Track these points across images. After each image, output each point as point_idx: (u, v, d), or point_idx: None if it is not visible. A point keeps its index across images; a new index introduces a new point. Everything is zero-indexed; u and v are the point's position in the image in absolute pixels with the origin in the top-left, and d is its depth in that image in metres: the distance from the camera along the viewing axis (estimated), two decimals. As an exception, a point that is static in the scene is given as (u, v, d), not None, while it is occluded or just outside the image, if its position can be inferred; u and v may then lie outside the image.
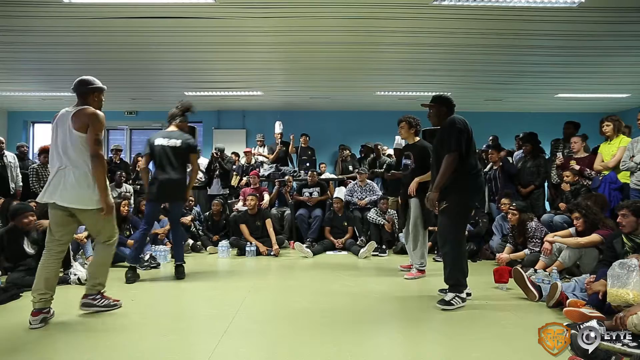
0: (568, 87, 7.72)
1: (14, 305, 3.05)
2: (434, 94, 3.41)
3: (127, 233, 4.85)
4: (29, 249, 3.59)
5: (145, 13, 4.61)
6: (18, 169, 5.93)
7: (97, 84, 2.81)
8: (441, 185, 3.04)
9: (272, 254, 5.30)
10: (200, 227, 6.06)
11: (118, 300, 2.97)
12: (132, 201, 6.11)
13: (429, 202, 3.15)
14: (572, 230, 3.92)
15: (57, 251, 2.69)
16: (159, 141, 3.93)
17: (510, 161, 5.90)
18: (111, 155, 7.34)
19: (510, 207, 4.61)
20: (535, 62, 6.32)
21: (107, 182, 2.69)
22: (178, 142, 3.95)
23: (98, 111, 2.69)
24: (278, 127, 7.81)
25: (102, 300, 2.89)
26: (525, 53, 5.92)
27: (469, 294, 3.15)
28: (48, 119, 10.96)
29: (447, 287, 3.23)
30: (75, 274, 3.68)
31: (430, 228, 5.39)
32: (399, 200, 4.30)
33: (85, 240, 4.42)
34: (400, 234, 4.18)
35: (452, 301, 2.96)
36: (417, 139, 4.17)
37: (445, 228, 3.07)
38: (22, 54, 5.94)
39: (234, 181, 7.16)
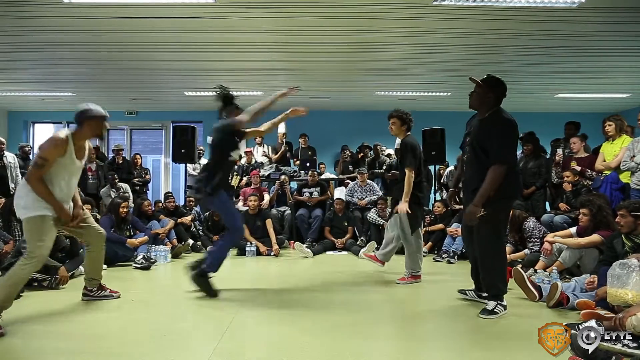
0: (568, 87, 7.72)
1: (15, 305, 3.04)
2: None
3: (127, 233, 4.84)
4: None
5: (145, 13, 4.61)
6: (18, 169, 5.94)
7: (93, 112, 2.86)
8: (484, 200, 2.65)
9: (272, 254, 5.30)
10: (200, 227, 6.05)
11: None
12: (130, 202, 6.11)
13: (469, 215, 2.72)
14: (572, 230, 3.91)
15: None
16: None
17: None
18: (113, 155, 7.34)
19: None
20: (535, 62, 6.31)
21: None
22: None
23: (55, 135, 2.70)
24: (282, 127, 7.65)
25: None
26: (524, 53, 5.92)
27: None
28: (48, 119, 10.99)
29: (466, 288, 3.24)
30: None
31: (429, 228, 5.45)
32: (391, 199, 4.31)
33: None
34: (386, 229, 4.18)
35: (495, 309, 2.81)
36: (408, 134, 3.91)
37: (486, 238, 2.78)
38: (22, 54, 5.94)
39: (234, 181, 7.15)
